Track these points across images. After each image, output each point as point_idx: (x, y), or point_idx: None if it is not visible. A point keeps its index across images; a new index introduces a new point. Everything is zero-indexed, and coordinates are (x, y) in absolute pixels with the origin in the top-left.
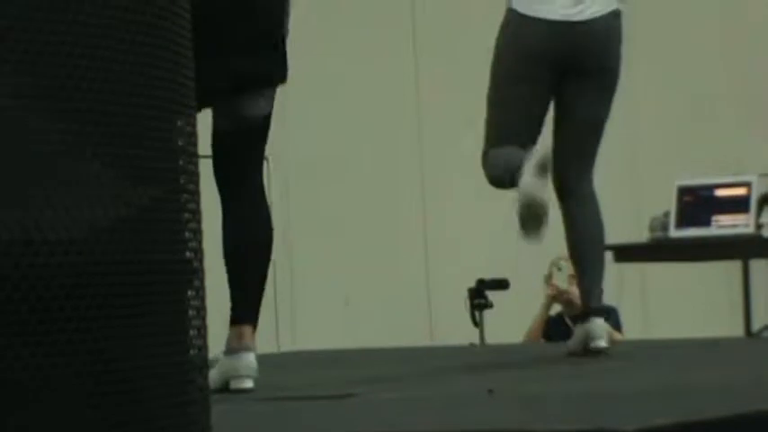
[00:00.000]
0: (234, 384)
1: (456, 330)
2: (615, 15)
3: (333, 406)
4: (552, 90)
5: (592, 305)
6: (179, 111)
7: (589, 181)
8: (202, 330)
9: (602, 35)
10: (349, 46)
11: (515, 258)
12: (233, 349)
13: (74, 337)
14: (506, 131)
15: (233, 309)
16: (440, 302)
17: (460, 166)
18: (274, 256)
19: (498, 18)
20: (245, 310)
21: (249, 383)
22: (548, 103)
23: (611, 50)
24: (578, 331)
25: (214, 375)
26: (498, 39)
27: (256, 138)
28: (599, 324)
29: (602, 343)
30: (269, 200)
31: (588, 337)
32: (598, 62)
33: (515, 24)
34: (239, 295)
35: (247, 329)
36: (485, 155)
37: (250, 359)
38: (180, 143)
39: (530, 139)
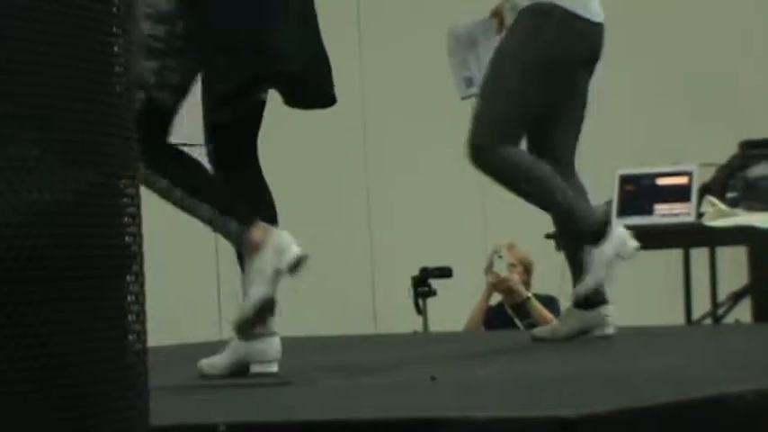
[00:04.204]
0: (258, 368)
1: (400, 318)
2: None
3: (273, 393)
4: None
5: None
6: (118, 94)
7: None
8: (141, 315)
9: (604, 34)
10: None
11: (459, 247)
12: (257, 334)
13: (8, 323)
14: (514, 130)
15: None
16: (383, 290)
17: (405, 155)
18: (219, 245)
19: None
20: None
21: (275, 367)
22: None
23: None
24: (580, 316)
25: (226, 360)
26: (538, 30)
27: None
28: (612, 310)
29: (611, 330)
30: None
31: (597, 326)
32: (597, 61)
33: (564, 21)
34: None
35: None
36: (488, 150)
37: (277, 343)
38: (119, 126)
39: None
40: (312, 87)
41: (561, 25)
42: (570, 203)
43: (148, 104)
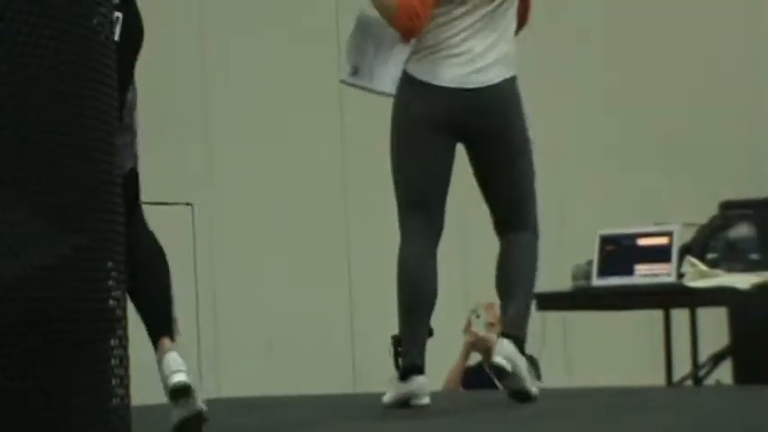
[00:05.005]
0: (169, 381)
1: (379, 377)
2: (511, 80)
3: None
4: (452, 151)
5: (504, 330)
6: (105, 160)
7: (524, 229)
8: (125, 380)
9: (497, 101)
10: (272, 93)
11: (439, 305)
12: (158, 360)
13: None
14: (414, 199)
15: (150, 334)
16: (363, 349)
17: (385, 214)
18: (199, 301)
19: None
20: (158, 325)
21: (180, 377)
22: (449, 164)
23: (509, 114)
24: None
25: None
26: (395, 101)
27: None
28: (504, 344)
29: (500, 360)
30: (194, 246)
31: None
32: (498, 126)
33: (410, 89)
34: (152, 319)
35: (163, 341)
36: (401, 223)
37: (172, 357)
38: (106, 192)
39: (439, 204)
40: None
41: (410, 93)
42: (406, 305)
43: None
